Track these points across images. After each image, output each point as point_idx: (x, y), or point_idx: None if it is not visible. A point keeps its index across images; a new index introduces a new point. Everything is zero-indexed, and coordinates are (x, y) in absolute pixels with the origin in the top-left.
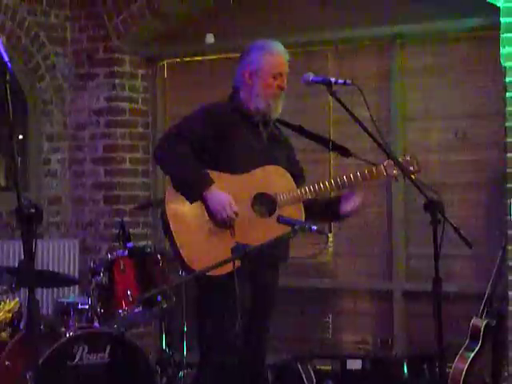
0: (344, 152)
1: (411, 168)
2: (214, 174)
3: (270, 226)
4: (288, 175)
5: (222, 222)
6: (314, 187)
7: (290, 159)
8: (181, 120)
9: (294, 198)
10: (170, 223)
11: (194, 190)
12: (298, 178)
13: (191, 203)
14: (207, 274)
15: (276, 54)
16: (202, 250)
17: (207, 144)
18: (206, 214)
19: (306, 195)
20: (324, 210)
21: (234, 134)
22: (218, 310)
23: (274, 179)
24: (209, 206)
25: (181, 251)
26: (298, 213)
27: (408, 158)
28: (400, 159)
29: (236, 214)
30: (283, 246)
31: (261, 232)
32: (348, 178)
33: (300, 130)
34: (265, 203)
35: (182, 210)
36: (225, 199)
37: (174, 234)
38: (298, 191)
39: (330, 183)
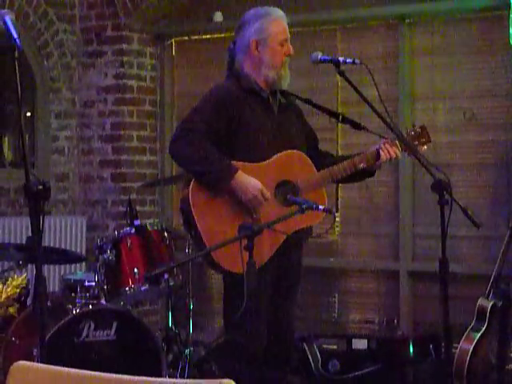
0: (355, 125)
1: (423, 139)
2: (236, 164)
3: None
4: (308, 159)
5: (250, 209)
6: (333, 170)
7: (303, 122)
8: (191, 112)
9: (316, 183)
10: (193, 211)
11: (220, 182)
12: (315, 142)
13: (217, 193)
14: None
15: (280, 19)
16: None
17: (222, 132)
18: (232, 203)
19: (326, 179)
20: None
21: (246, 116)
22: (230, 291)
23: (295, 165)
24: (238, 195)
25: (204, 240)
26: (319, 199)
27: (418, 130)
28: (412, 131)
29: (267, 200)
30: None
31: (285, 222)
32: (363, 159)
33: (309, 102)
34: (287, 191)
35: (205, 201)
36: (256, 186)
37: (196, 222)
38: (319, 176)
39: (347, 166)
